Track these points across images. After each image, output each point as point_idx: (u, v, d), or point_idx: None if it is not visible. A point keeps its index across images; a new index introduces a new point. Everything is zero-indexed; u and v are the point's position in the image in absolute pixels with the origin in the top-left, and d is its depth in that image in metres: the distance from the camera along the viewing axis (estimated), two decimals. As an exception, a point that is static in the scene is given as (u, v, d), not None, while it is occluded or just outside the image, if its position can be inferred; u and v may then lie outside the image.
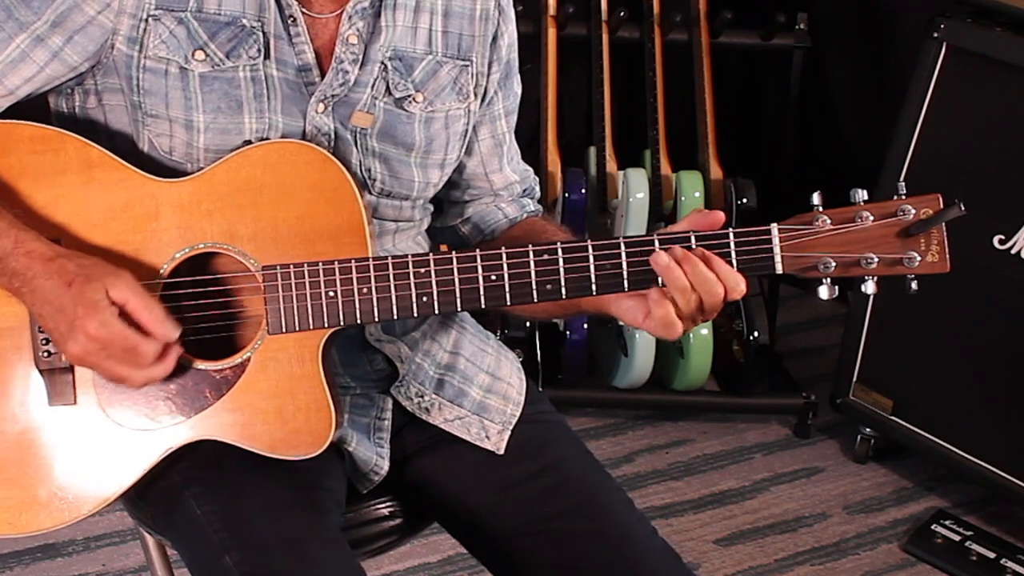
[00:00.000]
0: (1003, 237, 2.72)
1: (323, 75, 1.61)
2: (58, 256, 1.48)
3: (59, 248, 1.50)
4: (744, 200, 3.12)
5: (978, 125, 2.77)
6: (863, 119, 3.71)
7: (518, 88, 1.79)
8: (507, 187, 1.80)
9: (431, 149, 1.68)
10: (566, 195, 3.18)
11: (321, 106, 1.60)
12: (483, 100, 1.73)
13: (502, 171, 1.79)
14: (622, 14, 3.28)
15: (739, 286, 1.49)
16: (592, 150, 3.29)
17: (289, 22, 1.59)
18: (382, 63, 1.63)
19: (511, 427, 1.75)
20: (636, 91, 3.36)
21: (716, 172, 3.26)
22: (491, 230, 1.79)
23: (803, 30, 3.35)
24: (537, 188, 1.87)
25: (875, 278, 1.50)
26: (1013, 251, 2.72)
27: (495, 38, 1.71)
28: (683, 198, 3.14)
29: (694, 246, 1.49)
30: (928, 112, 2.83)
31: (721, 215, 1.51)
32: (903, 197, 1.49)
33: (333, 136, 1.61)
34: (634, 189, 3.10)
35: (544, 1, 3.31)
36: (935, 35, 2.78)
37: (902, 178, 2.84)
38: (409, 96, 1.65)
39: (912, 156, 2.85)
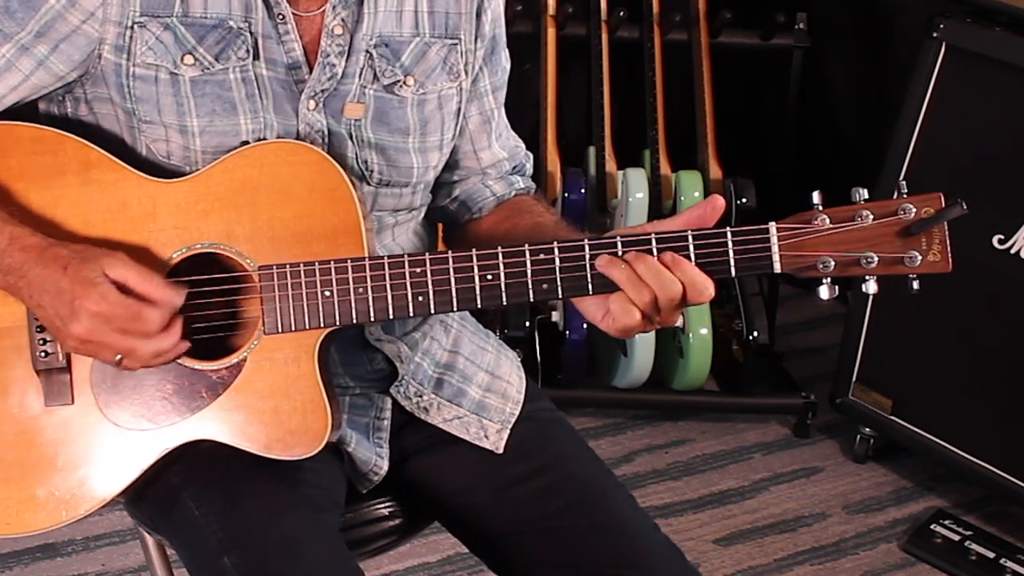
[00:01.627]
0: (1003, 237, 2.72)
1: (312, 71, 1.60)
2: (51, 245, 1.49)
3: (52, 240, 1.50)
4: (744, 200, 3.13)
5: (978, 125, 2.77)
6: (863, 119, 3.71)
7: (506, 63, 1.78)
8: (495, 164, 1.80)
9: (427, 131, 1.68)
10: (566, 195, 3.18)
11: (312, 103, 1.60)
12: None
13: (490, 148, 1.79)
14: (622, 14, 3.28)
15: (707, 289, 1.47)
16: (592, 150, 3.29)
17: (278, 20, 1.58)
18: (367, 51, 1.62)
19: (510, 426, 1.74)
20: (636, 91, 3.36)
21: (716, 172, 3.26)
22: (478, 208, 1.78)
23: (803, 30, 3.36)
24: (529, 164, 1.86)
25: (876, 278, 1.48)
26: (1013, 251, 2.72)
27: (479, 14, 1.70)
28: (683, 198, 3.14)
29: (691, 250, 1.47)
30: (928, 112, 2.83)
31: (720, 199, 1.50)
32: (904, 196, 1.47)
33: (327, 133, 1.61)
34: (634, 189, 3.10)
35: (544, 1, 3.31)
36: (935, 35, 2.78)
37: (902, 177, 2.84)
38: (398, 81, 1.64)
39: (912, 156, 2.85)
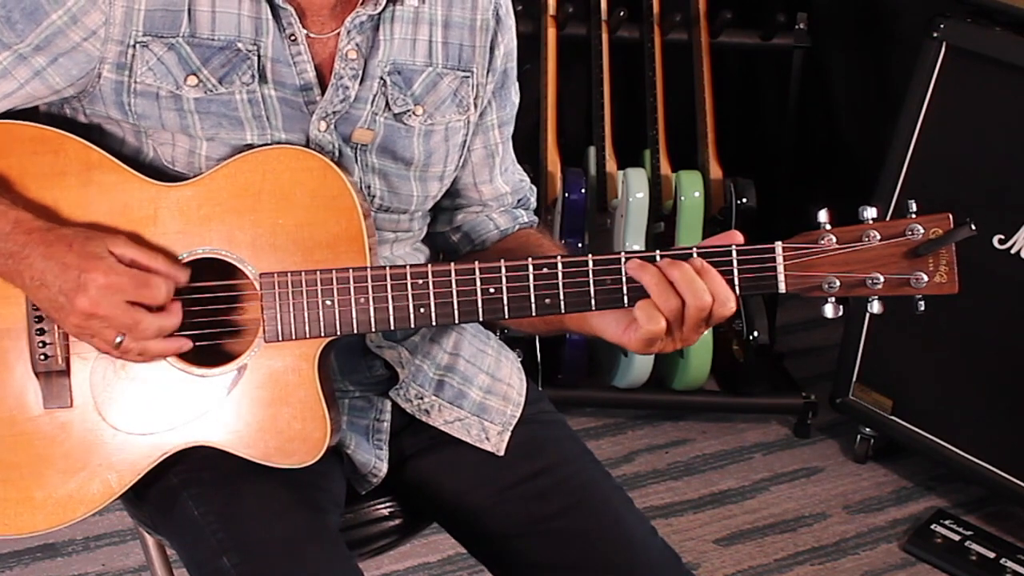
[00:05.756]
0: (1003, 237, 2.72)
1: (324, 93, 1.60)
2: (54, 228, 1.49)
3: (55, 224, 1.50)
4: (744, 200, 3.13)
5: (978, 125, 2.77)
6: (863, 119, 3.71)
7: (515, 98, 1.78)
8: (497, 198, 1.80)
9: (430, 162, 1.68)
10: (566, 195, 3.18)
11: (323, 124, 1.59)
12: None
13: (492, 182, 1.78)
14: (622, 14, 3.28)
15: (729, 302, 1.46)
16: (592, 150, 3.29)
17: (289, 41, 1.57)
18: (381, 78, 1.62)
19: (511, 428, 1.75)
20: (636, 91, 3.36)
21: (716, 172, 3.26)
22: (481, 240, 1.78)
23: (803, 30, 3.35)
24: (533, 198, 1.85)
25: (881, 298, 1.47)
26: (1013, 251, 2.72)
27: (492, 47, 1.70)
28: (683, 198, 3.14)
29: (695, 256, 1.47)
30: (928, 112, 2.83)
31: (740, 237, 1.49)
32: (913, 215, 1.45)
33: (337, 154, 1.60)
34: (634, 189, 3.10)
35: (544, 1, 3.31)
36: (935, 35, 2.78)
37: (902, 178, 2.84)
38: (408, 111, 1.64)
39: (912, 156, 2.85)
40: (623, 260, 1.48)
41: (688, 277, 1.45)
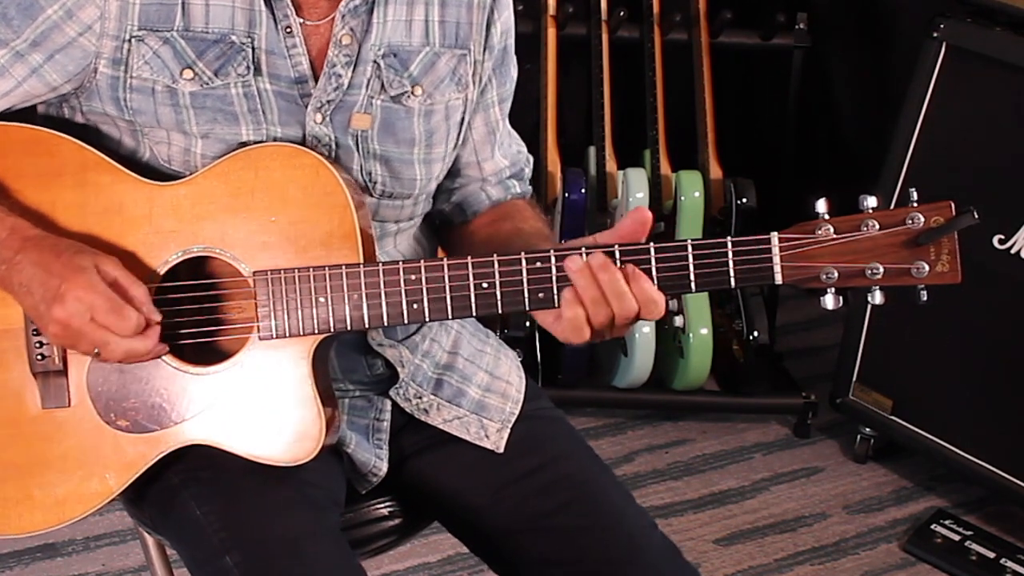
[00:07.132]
0: (1003, 237, 2.72)
1: (318, 83, 1.60)
2: (49, 236, 1.50)
3: (51, 234, 1.51)
4: (744, 200, 3.13)
5: (978, 125, 2.77)
6: (863, 119, 3.71)
7: (514, 72, 1.77)
8: (496, 172, 1.80)
9: (432, 143, 1.67)
10: (566, 195, 3.18)
11: (319, 116, 1.59)
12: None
13: (493, 158, 1.78)
14: (622, 14, 3.28)
15: (658, 307, 1.46)
16: (592, 150, 3.29)
17: (285, 33, 1.57)
18: (374, 62, 1.62)
19: (510, 425, 1.74)
20: (636, 91, 3.36)
21: (716, 172, 3.26)
22: (473, 211, 1.78)
23: (803, 30, 3.36)
24: (528, 169, 1.85)
25: (881, 288, 1.45)
26: (1013, 251, 2.72)
27: (488, 25, 1.69)
28: (683, 198, 3.14)
29: (689, 260, 1.46)
30: (928, 112, 2.83)
31: (647, 213, 1.48)
32: (914, 204, 1.43)
33: (334, 146, 1.61)
34: (634, 189, 3.10)
35: (544, 1, 3.31)
36: (935, 35, 2.78)
37: (902, 178, 2.84)
38: (406, 91, 1.64)
39: (912, 156, 2.84)
40: (616, 253, 1.47)
41: (614, 285, 1.45)
